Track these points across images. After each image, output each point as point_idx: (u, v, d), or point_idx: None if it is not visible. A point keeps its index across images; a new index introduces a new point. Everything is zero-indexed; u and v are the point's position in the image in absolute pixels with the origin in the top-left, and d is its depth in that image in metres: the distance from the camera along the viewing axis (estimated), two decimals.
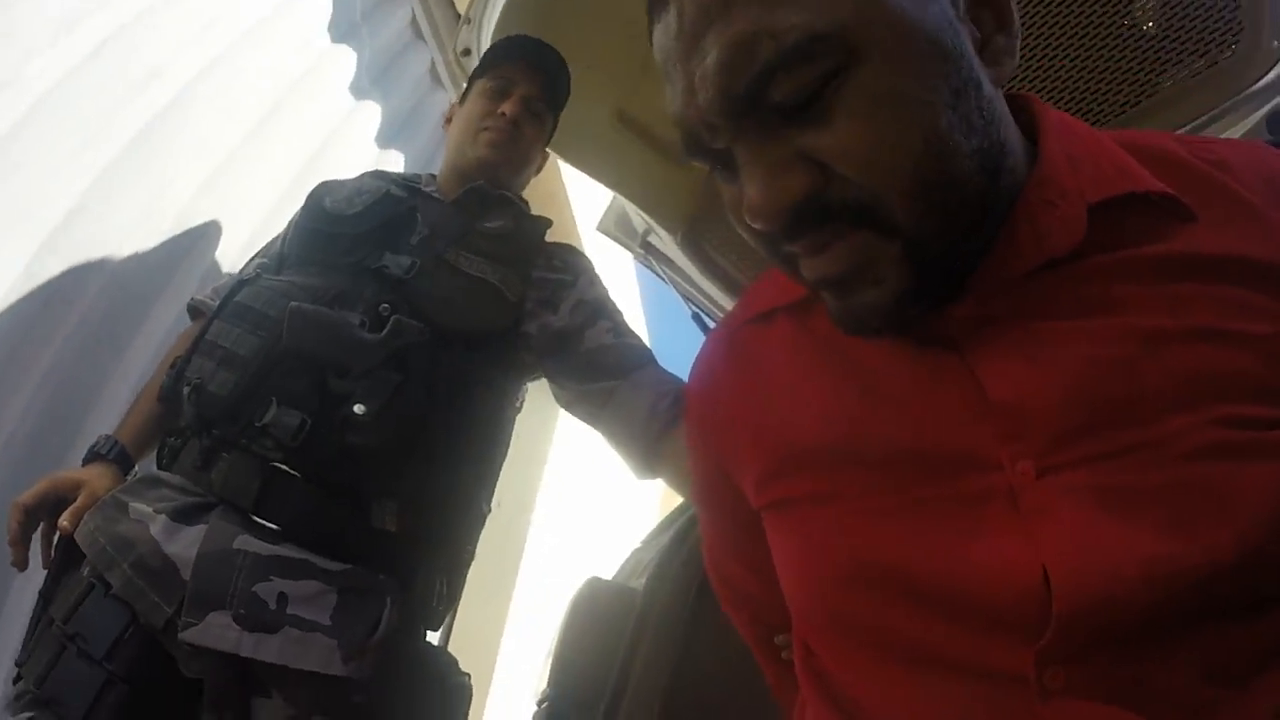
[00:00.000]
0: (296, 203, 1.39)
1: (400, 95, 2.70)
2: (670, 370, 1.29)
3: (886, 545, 0.57)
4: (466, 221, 1.32)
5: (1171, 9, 1.39)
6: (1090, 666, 0.50)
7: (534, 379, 1.41)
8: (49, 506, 1.17)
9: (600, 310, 1.33)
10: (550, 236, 1.44)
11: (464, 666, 1.23)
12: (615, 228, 2.01)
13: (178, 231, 1.96)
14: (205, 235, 2.03)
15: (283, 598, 1.03)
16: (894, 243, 0.52)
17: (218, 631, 1.00)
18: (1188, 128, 1.47)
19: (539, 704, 1.63)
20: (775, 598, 0.71)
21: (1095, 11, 1.43)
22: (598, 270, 1.43)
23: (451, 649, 1.34)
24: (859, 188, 0.51)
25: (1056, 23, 1.48)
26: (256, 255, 1.43)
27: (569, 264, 1.38)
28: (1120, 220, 0.57)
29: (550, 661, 1.64)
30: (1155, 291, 0.55)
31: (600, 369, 1.26)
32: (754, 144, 0.53)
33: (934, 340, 0.58)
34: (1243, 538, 0.49)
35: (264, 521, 1.09)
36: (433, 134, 2.78)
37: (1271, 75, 1.35)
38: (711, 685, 1.56)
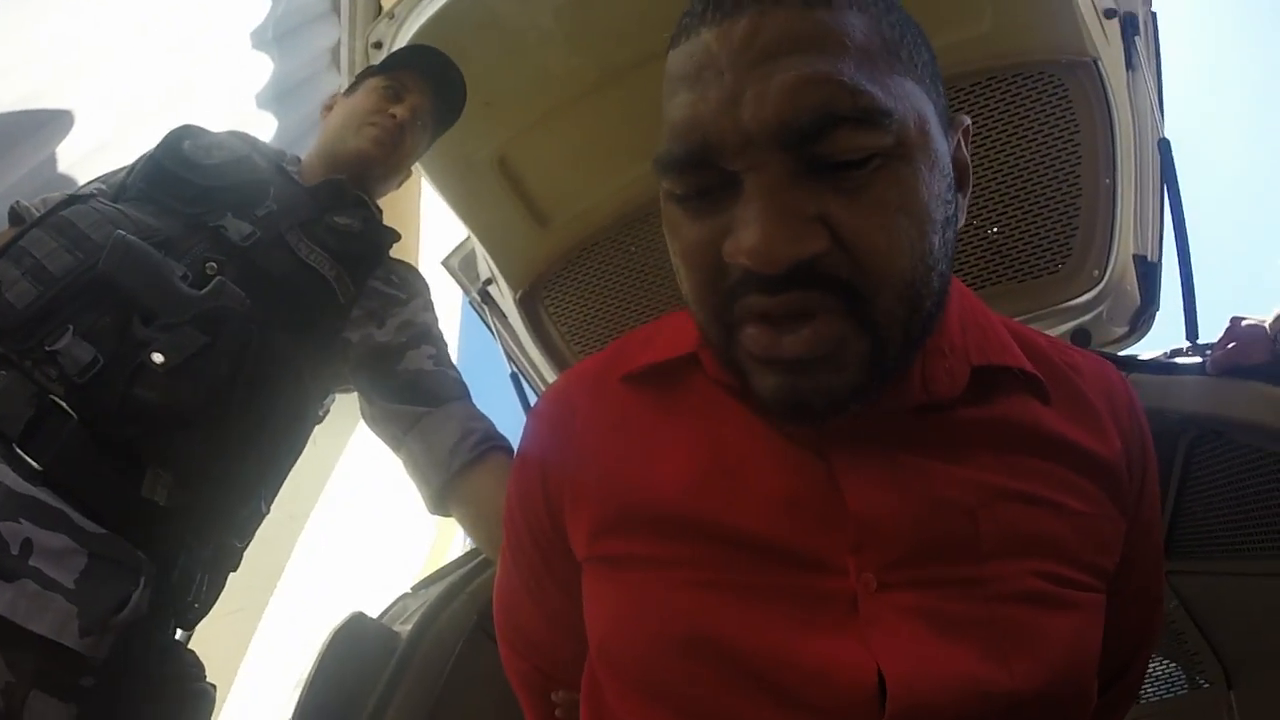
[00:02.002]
0: (150, 127, 1.30)
1: (297, 61, 2.57)
2: None
3: (723, 623, 0.59)
4: (317, 210, 1.29)
5: (1015, 222, 1.56)
6: None
7: (344, 390, 1.37)
8: None
9: (426, 335, 1.32)
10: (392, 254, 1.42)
11: None
12: (459, 267, 2.00)
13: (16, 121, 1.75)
14: (45, 130, 1.82)
15: (28, 545, 0.93)
16: (864, 338, 0.53)
17: None
18: None
19: None
20: (565, 651, 0.73)
21: None
22: (433, 298, 1.42)
23: None
24: (860, 271, 0.52)
25: None
26: (95, 180, 1.34)
27: (406, 282, 1.36)
28: (992, 385, 0.64)
29: (301, 692, 1.56)
30: (1004, 454, 0.62)
31: (413, 392, 1.25)
32: (774, 182, 0.51)
33: (803, 444, 0.62)
34: (1048, 669, 0.57)
35: (26, 456, 0.99)
36: (311, 114, 2.65)
37: (1086, 296, 1.56)
38: None
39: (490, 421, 1.27)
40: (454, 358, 1.37)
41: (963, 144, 0.61)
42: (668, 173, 0.56)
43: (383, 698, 1.52)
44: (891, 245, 0.52)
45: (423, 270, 1.46)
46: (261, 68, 2.38)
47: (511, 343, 2.02)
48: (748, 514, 0.61)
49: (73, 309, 1.04)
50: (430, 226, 3.01)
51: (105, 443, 1.03)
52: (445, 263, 2.02)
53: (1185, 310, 1.44)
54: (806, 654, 0.57)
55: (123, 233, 1.10)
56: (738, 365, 0.58)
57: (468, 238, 1.92)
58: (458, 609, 1.68)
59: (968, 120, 0.62)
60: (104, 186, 1.28)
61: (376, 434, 1.31)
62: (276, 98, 2.41)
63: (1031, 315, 1.64)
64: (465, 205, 1.75)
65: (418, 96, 1.40)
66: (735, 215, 0.53)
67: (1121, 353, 1.63)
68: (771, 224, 0.51)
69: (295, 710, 1.53)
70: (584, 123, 1.57)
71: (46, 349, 1.02)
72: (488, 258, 1.87)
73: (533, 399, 2.08)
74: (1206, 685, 1.51)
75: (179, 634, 1.16)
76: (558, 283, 1.87)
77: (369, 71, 1.46)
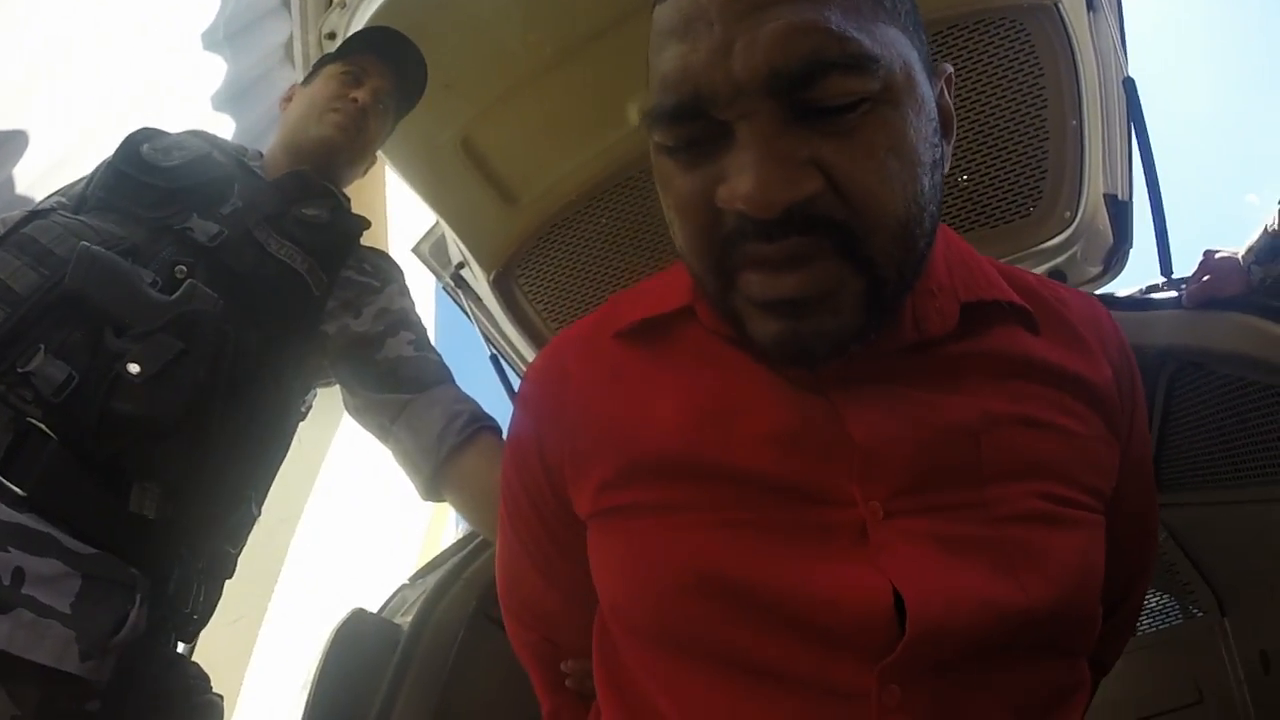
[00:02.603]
0: (107, 138, 1.27)
1: (251, 59, 2.52)
2: None
3: (733, 560, 0.59)
4: (283, 204, 1.26)
5: (984, 169, 1.56)
6: (921, 688, 0.55)
7: (325, 384, 1.35)
8: None
9: (403, 321, 1.30)
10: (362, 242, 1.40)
11: None
12: (430, 253, 1.98)
13: None
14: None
15: (19, 574, 0.90)
16: (861, 277, 0.54)
17: None
18: None
19: None
20: (573, 618, 0.74)
21: None
22: (407, 283, 1.40)
23: None
24: (855, 213, 0.53)
25: None
26: (55, 194, 1.30)
27: (379, 269, 1.34)
28: (982, 320, 0.65)
29: (308, 693, 1.56)
30: (1000, 382, 0.64)
31: (396, 380, 1.23)
32: (767, 129, 0.52)
33: (802, 385, 0.63)
34: (1057, 586, 0.58)
35: (9, 484, 0.96)
36: (269, 110, 2.61)
37: (1059, 238, 1.57)
38: None
39: (476, 403, 1.25)
40: (432, 343, 1.35)
41: (945, 91, 0.62)
42: (658, 125, 0.56)
43: (390, 690, 1.53)
44: (884, 186, 0.53)
45: (393, 258, 1.44)
46: (215, 69, 2.34)
47: (489, 325, 2.01)
48: (751, 452, 0.61)
49: (42, 327, 1.01)
50: (398, 214, 2.98)
51: (88, 460, 1.01)
52: (416, 250, 1.99)
53: (1159, 246, 1.45)
54: (820, 583, 0.57)
55: (87, 244, 1.06)
56: (736, 313, 0.58)
57: (436, 223, 1.90)
58: (457, 595, 1.69)
59: (950, 68, 0.63)
60: (64, 200, 1.25)
61: (362, 425, 1.29)
62: (232, 98, 2.37)
63: (1006, 259, 1.63)
64: (432, 190, 1.73)
65: (378, 79, 1.37)
66: (728, 163, 0.53)
67: (1097, 291, 1.64)
68: (766, 168, 0.51)
69: (304, 712, 1.53)
70: (545, 98, 1.55)
71: (19, 371, 0.98)
72: (458, 241, 1.84)
73: (514, 379, 2.07)
74: (1200, 614, 1.54)
75: (180, 647, 1.15)
76: (531, 261, 1.85)
77: (327, 59, 1.43)
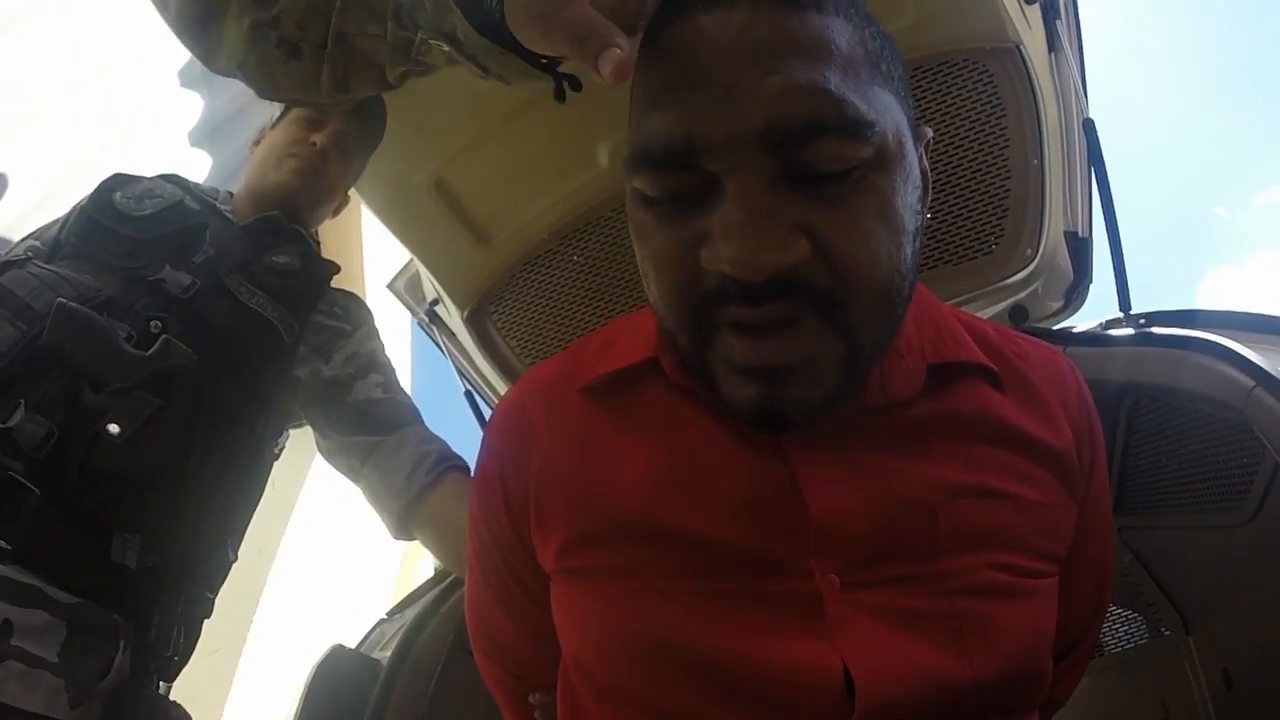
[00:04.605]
0: (86, 178, 1.28)
1: (228, 95, 2.51)
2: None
3: (691, 629, 0.60)
4: (254, 250, 1.28)
5: (947, 207, 1.59)
6: None
7: (297, 426, 1.37)
8: None
9: (372, 364, 1.33)
10: (337, 282, 1.42)
11: None
12: (404, 289, 1.99)
13: None
14: None
15: (7, 626, 0.93)
16: (841, 344, 0.55)
17: None
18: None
19: None
20: (538, 656, 0.75)
21: None
22: (377, 324, 1.42)
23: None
24: (839, 281, 0.53)
25: None
26: (30, 237, 1.30)
27: (349, 312, 1.36)
28: (947, 378, 0.66)
29: None
30: (961, 444, 0.64)
31: (365, 422, 1.25)
32: (757, 186, 0.51)
33: (763, 448, 0.63)
34: (1005, 659, 0.59)
35: None
36: (244, 147, 2.59)
37: (1020, 275, 1.59)
38: None
39: (444, 442, 1.28)
40: (407, 378, 1.37)
41: (924, 154, 0.63)
42: (643, 171, 0.55)
43: None
44: (871, 256, 0.53)
45: (370, 291, 1.46)
46: (192, 105, 2.33)
47: (463, 360, 2.02)
48: (711, 520, 0.62)
49: (22, 383, 1.03)
50: (374, 247, 2.98)
51: (69, 513, 1.03)
52: (391, 286, 2.00)
53: (1117, 281, 1.48)
54: (775, 657, 0.58)
55: (63, 300, 1.08)
56: (710, 372, 0.58)
57: (411, 260, 1.90)
58: (434, 629, 1.70)
59: (930, 132, 0.65)
60: (38, 244, 1.25)
61: (334, 466, 1.32)
62: (210, 134, 2.37)
63: (969, 295, 1.68)
64: (405, 229, 1.73)
65: (339, 122, 1.38)
66: (714, 221, 0.53)
67: (1057, 326, 1.68)
68: (755, 230, 0.51)
69: None
70: (517, 140, 1.56)
71: (1, 427, 1.00)
72: (431, 279, 1.85)
73: (488, 415, 2.08)
74: (1166, 633, 1.57)
75: (161, 686, 1.17)
76: (504, 298, 1.86)
77: (294, 102, 1.44)
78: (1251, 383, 1.11)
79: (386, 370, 1.34)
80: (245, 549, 1.32)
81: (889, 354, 0.63)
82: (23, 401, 1.02)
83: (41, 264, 1.17)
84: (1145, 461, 1.52)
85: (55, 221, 1.31)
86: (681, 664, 0.60)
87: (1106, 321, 1.50)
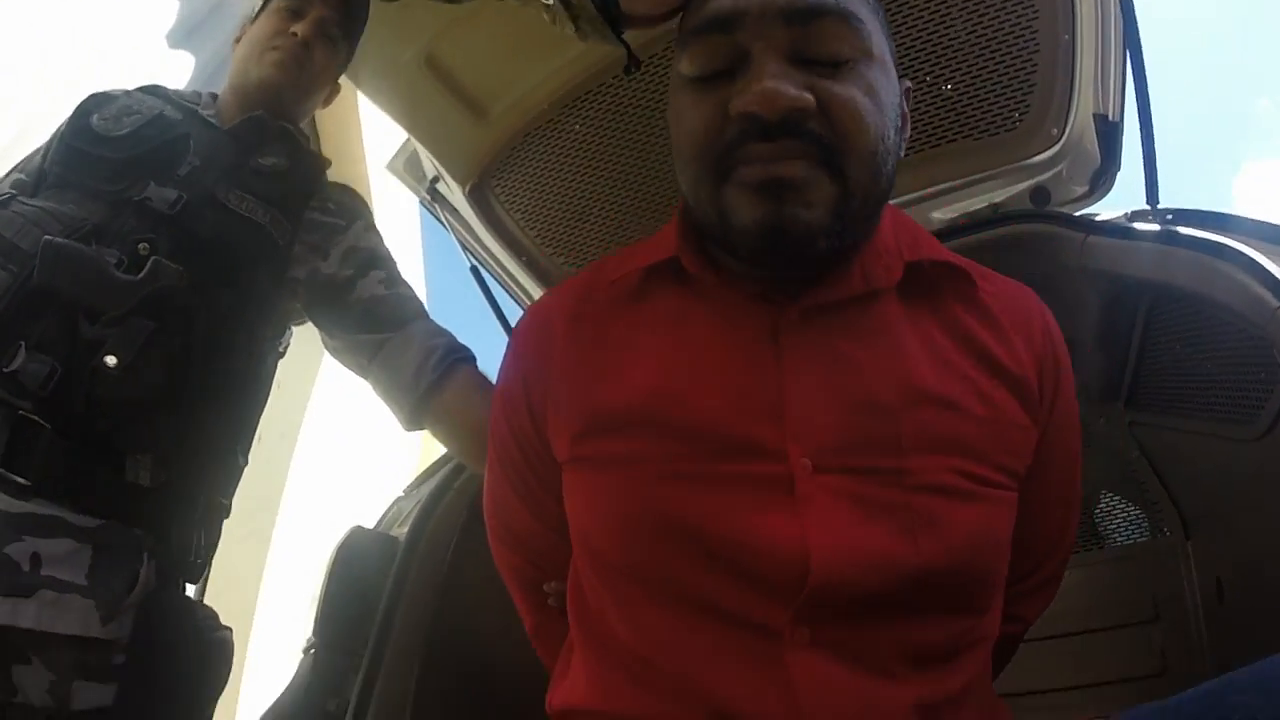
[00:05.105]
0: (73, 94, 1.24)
1: None
2: (445, 319, 1.29)
3: (685, 507, 0.69)
4: (241, 154, 1.25)
5: (970, 78, 1.49)
6: (828, 631, 0.65)
7: (299, 323, 1.36)
8: None
9: (373, 259, 1.30)
10: (338, 167, 1.38)
11: (223, 612, 1.22)
12: (404, 169, 1.94)
13: None
14: None
15: (36, 558, 0.98)
16: (834, 185, 0.67)
17: None
18: (963, 181, 1.63)
19: (305, 651, 1.65)
20: (554, 545, 0.84)
21: (904, 60, 1.51)
22: (380, 209, 1.39)
23: (209, 595, 1.33)
24: (836, 135, 0.67)
25: None
26: (14, 169, 1.28)
27: (343, 207, 1.33)
28: (924, 282, 0.75)
29: (317, 609, 1.65)
30: (929, 347, 0.73)
31: (371, 320, 1.25)
32: (777, 53, 0.68)
33: (759, 333, 0.73)
34: (950, 552, 0.66)
35: (13, 476, 1.02)
36: (226, 43, 2.50)
37: (1044, 155, 1.52)
38: (473, 630, 1.64)
39: (450, 335, 1.27)
40: (418, 256, 1.35)
41: (904, 100, 0.77)
42: (692, 43, 0.73)
43: (391, 599, 1.61)
44: (861, 118, 0.68)
45: (371, 175, 1.42)
46: (169, 6, 2.24)
47: (467, 236, 1.99)
48: (705, 410, 0.71)
49: (20, 325, 1.04)
50: (373, 131, 2.89)
51: (82, 441, 1.06)
52: (390, 166, 1.94)
53: (1146, 173, 1.38)
54: (755, 532, 0.66)
55: (50, 237, 1.07)
56: (725, 207, 0.69)
57: (409, 138, 1.84)
58: (449, 504, 1.76)
59: (909, 83, 0.79)
60: (24, 177, 1.23)
61: (342, 364, 1.32)
62: (188, 32, 2.28)
63: (990, 173, 1.59)
64: (399, 108, 1.68)
65: (320, 8, 1.31)
66: (743, 79, 0.68)
67: (1080, 212, 1.58)
68: (776, 79, 0.66)
69: (314, 625, 1.63)
70: (509, 11, 1.47)
71: (5, 371, 1.02)
72: (430, 157, 1.80)
73: (495, 288, 2.07)
74: (1167, 533, 1.56)
75: (190, 589, 1.23)
76: (505, 172, 1.81)
77: None
78: (1277, 302, 1.05)
79: (388, 263, 1.32)
80: (268, 432, 1.34)
81: (869, 251, 0.74)
82: (23, 343, 1.03)
83: (26, 200, 1.15)
84: (1163, 360, 1.46)
85: (37, 150, 1.27)
86: (674, 538, 0.69)
87: (1132, 213, 1.41)
